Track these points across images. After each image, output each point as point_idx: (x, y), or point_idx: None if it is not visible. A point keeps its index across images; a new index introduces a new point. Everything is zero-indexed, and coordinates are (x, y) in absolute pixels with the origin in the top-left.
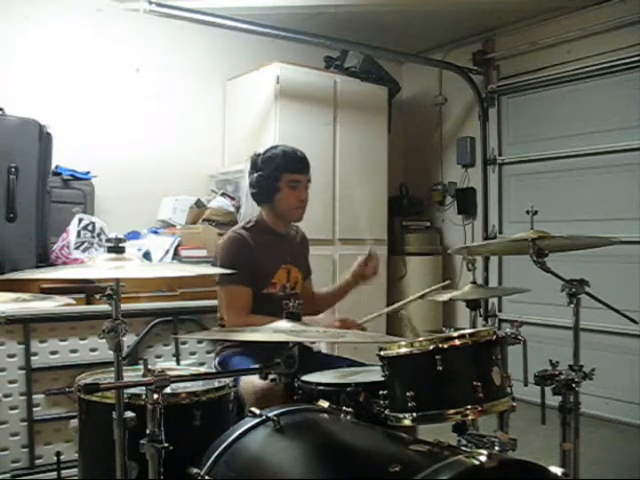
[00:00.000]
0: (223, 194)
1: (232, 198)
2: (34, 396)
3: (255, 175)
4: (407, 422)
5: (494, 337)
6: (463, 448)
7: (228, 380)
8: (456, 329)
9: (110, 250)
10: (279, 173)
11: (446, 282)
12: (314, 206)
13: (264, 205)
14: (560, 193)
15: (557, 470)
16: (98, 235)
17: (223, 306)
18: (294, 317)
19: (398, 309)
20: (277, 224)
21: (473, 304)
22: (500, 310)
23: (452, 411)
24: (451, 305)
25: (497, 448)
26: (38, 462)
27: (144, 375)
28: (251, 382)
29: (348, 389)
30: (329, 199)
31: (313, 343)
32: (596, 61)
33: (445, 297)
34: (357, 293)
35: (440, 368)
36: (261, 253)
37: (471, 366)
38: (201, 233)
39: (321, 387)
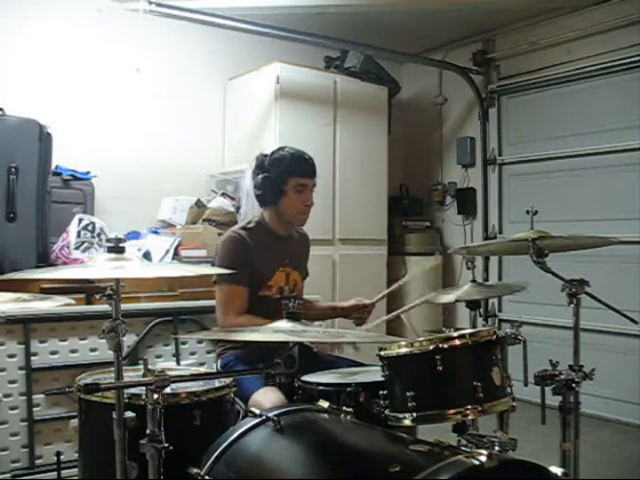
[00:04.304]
0: (223, 194)
1: (232, 198)
2: (34, 396)
3: (261, 176)
4: (407, 422)
5: (494, 337)
6: (463, 448)
7: (228, 380)
8: (456, 329)
9: (110, 250)
10: (286, 176)
11: (423, 299)
12: (314, 206)
13: (267, 207)
14: (560, 193)
15: (557, 470)
16: (98, 235)
17: (217, 304)
18: (294, 317)
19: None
20: (279, 226)
21: (473, 304)
22: (500, 310)
23: (452, 411)
24: (451, 305)
25: (497, 448)
26: (38, 462)
27: (144, 375)
28: (260, 405)
29: (348, 389)
30: (329, 199)
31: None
32: (596, 61)
33: (445, 298)
34: (357, 293)
35: (440, 368)
36: (259, 254)
37: (471, 366)
38: (201, 233)
39: (321, 387)
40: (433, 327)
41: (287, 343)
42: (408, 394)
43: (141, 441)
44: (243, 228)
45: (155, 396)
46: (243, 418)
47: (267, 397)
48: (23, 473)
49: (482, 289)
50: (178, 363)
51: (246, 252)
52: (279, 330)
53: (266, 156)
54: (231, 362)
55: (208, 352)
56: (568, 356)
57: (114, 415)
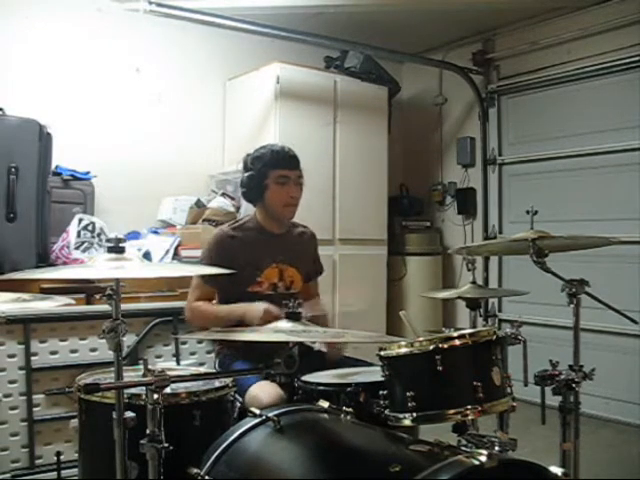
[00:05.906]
0: (223, 194)
1: (232, 198)
2: (34, 396)
3: (245, 175)
4: (407, 422)
5: (494, 337)
6: (463, 448)
7: (228, 380)
8: (456, 329)
9: (110, 250)
10: (266, 170)
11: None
12: (314, 206)
13: (256, 204)
14: (560, 193)
15: (557, 470)
16: (98, 235)
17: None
18: (294, 317)
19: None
20: (270, 223)
21: (473, 304)
22: (500, 310)
23: (452, 411)
24: (451, 305)
25: (497, 448)
26: (38, 462)
27: (144, 375)
28: (257, 399)
29: (348, 389)
30: (329, 199)
31: (313, 343)
32: (596, 61)
33: (444, 295)
34: (358, 293)
35: (440, 368)
36: (245, 251)
37: (471, 366)
38: (201, 233)
39: (321, 387)
40: (433, 327)
41: (287, 343)
42: (408, 394)
43: (141, 441)
44: (229, 226)
45: (155, 396)
46: (240, 413)
47: (264, 391)
48: (23, 473)
49: (482, 291)
50: (178, 363)
51: (225, 251)
52: (279, 330)
53: (249, 155)
54: (228, 359)
55: (208, 352)
56: (568, 356)
57: (114, 415)
